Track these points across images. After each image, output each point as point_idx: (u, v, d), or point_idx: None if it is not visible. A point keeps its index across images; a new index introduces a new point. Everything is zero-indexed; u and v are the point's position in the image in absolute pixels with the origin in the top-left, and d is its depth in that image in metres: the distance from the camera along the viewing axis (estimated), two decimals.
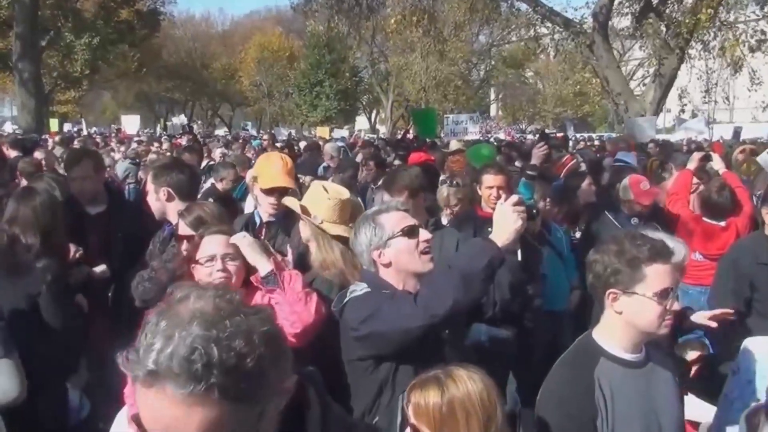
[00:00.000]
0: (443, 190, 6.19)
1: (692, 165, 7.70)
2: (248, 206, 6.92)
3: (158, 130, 37.74)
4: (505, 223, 3.08)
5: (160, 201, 4.59)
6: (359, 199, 6.53)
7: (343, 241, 3.85)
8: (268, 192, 4.80)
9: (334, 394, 3.31)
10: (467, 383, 2.53)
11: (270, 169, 4.88)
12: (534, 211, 3.31)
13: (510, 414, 5.54)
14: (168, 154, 14.24)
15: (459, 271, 3.00)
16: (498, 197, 5.70)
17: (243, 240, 3.56)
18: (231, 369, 1.32)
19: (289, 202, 4.32)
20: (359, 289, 3.27)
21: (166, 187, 4.58)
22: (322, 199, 4.01)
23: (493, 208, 5.83)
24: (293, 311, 3.38)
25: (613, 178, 8.63)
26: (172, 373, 1.30)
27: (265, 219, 4.92)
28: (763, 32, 26.06)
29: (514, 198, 3.14)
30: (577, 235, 7.41)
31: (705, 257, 6.65)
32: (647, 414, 2.81)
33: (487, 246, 3.04)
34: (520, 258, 3.27)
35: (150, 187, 4.73)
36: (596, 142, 25.89)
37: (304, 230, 4.09)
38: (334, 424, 1.72)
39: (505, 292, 4.46)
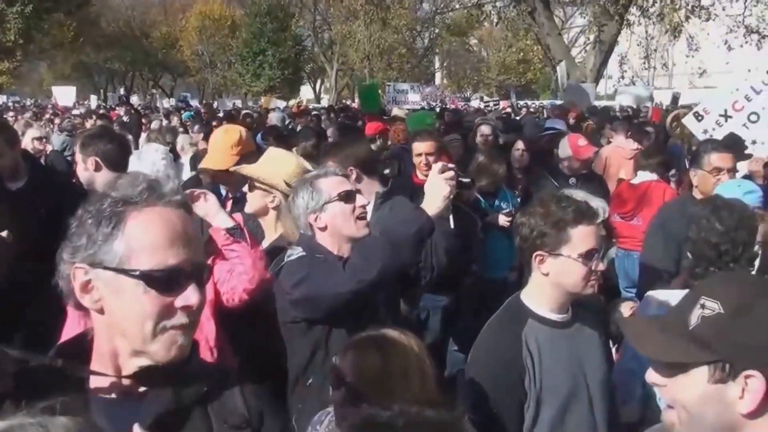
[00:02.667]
0: None
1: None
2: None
3: (93, 101, 36.49)
4: (435, 190, 3.11)
5: (88, 171, 4.47)
6: None
7: None
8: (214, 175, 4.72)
9: (270, 355, 3.38)
10: (402, 343, 2.56)
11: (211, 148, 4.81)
12: (467, 180, 3.31)
13: (450, 378, 5.62)
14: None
15: (388, 238, 3.05)
16: (428, 164, 5.74)
17: (207, 196, 3.49)
18: None
19: (246, 169, 4.16)
20: (295, 253, 3.30)
21: (94, 157, 4.46)
22: (293, 165, 3.97)
23: (426, 175, 5.89)
24: (255, 266, 3.38)
25: (549, 143, 8.75)
26: None
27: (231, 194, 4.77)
28: None
29: (439, 165, 3.16)
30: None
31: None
32: (574, 372, 2.86)
33: (417, 213, 3.08)
34: (452, 225, 3.28)
35: (78, 156, 4.61)
36: (545, 111, 26.02)
37: (257, 200, 4.00)
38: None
39: (441, 257, 4.49)
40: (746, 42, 27.89)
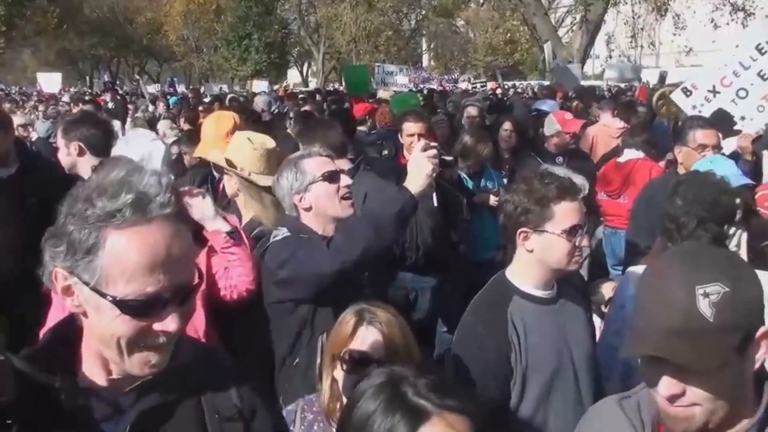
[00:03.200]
0: None
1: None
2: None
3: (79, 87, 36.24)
4: (417, 169, 3.12)
5: (70, 156, 4.45)
6: None
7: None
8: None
9: (256, 335, 3.39)
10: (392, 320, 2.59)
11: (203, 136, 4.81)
12: (449, 158, 3.32)
13: (439, 357, 5.65)
14: None
15: (371, 217, 3.10)
16: None
17: (204, 200, 3.47)
18: None
19: (213, 156, 4.25)
20: (281, 234, 3.33)
21: (77, 142, 4.44)
22: (248, 150, 3.95)
23: None
24: (253, 266, 3.38)
25: (536, 123, 8.76)
26: None
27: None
28: None
29: (422, 143, 3.17)
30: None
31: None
32: (559, 348, 2.88)
33: (400, 193, 3.10)
34: (435, 203, 3.29)
35: (60, 142, 4.58)
36: (531, 91, 25.99)
37: (229, 185, 4.05)
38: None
39: (426, 237, 4.51)
40: (732, 20, 27.92)
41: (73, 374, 1.58)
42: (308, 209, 3.35)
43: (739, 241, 4.19)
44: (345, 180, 3.39)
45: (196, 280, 1.58)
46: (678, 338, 1.55)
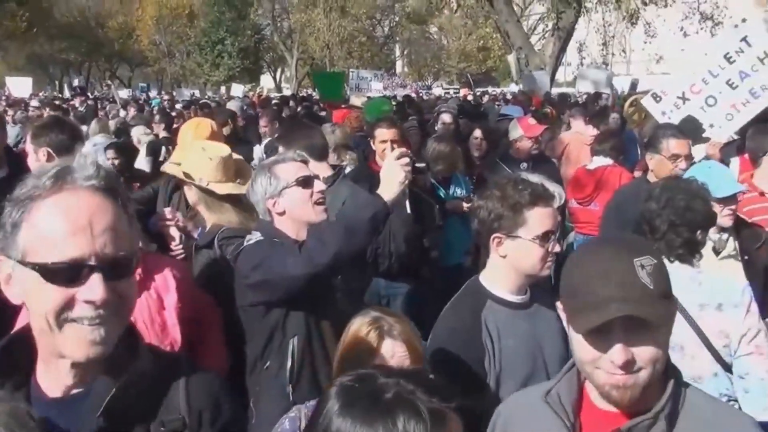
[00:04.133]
0: None
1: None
2: None
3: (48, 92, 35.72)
4: (391, 176, 3.12)
5: (39, 161, 4.38)
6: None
7: (233, 197, 3.86)
8: None
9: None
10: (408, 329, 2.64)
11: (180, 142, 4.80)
12: (422, 165, 3.33)
13: None
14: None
15: (343, 223, 3.10)
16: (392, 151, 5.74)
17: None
18: None
19: (170, 168, 4.22)
20: (254, 237, 3.33)
21: (46, 147, 4.37)
22: (204, 160, 3.94)
23: None
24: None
25: (503, 130, 8.82)
26: None
27: None
28: None
29: (397, 152, 3.19)
30: None
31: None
32: (533, 352, 2.89)
33: (373, 199, 3.10)
34: (409, 210, 3.30)
35: (29, 147, 4.52)
36: (508, 96, 26.08)
37: (190, 195, 4.05)
38: None
39: (399, 244, 4.52)
40: (701, 28, 28.30)
41: (26, 383, 1.56)
42: (282, 214, 3.36)
43: (734, 247, 4.26)
44: (318, 185, 3.39)
45: (133, 260, 1.54)
46: (631, 303, 1.68)
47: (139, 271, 3.01)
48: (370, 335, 2.56)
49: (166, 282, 3.21)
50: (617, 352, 1.69)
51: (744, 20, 6.63)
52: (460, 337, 2.87)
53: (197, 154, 3.99)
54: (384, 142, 5.81)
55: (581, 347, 1.77)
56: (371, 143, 6.02)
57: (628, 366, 1.70)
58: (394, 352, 2.54)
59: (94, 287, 1.45)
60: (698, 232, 3.42)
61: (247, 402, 3.31)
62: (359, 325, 2.62)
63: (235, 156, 4.20)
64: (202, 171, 3.90)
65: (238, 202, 3.91)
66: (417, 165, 3.26)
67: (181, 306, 3.22)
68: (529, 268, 2.85)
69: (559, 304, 1.91)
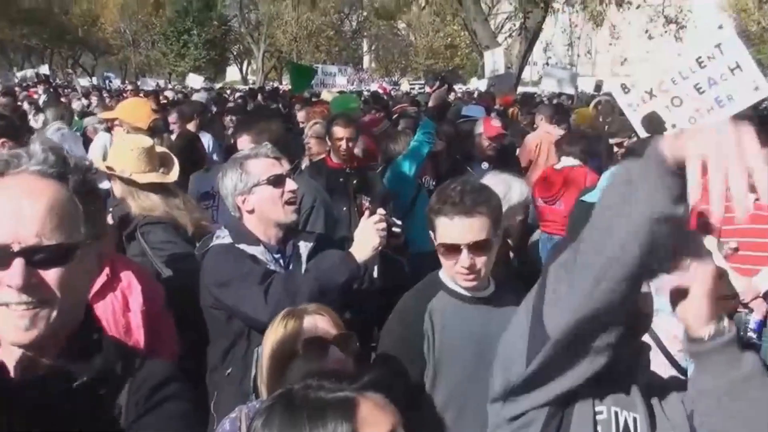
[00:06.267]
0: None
1: None
2: None
3: (45, 69, 34.64)
4: (365, 239, 3.12)
5: None
6: None
7: (157, 186, 3.94)
8: None
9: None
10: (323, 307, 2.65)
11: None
12: (398, 230, 3.26)
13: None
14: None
15: (317, 280, 3.05)
16: (347, 148, 5.75)
17: None
18: None
19: (95, 163, 4.23)
20: (223, 235, 3.28)
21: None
22: (126, 152, 4.01)
23: (343, 158, 5.86)
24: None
25: (465, 129, 8.80)
26: None
27: None
28: None
29: (376, 217, 3.14)
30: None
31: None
32: (480, 349, 2.83)
33: (347, 262, 3.08)
34: (376, 275, 3.28)
35: None
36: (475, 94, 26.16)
37: (116, 188, 4.05)
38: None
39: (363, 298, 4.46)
40: (666, 32, 28.67)
41: None
42: (251, 212, 3.28)
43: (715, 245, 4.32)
44: (290, 185, 3.29)
45: (74, 249, 1.52)
46: None
47: (106, 271, 3.01)
48: (288, 324, 2.52)
49: (131, 284, 3.17)
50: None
51: (720, 27, 6.66)
52: (407, 320, 2.95)
53: (119, 147, 4.11)
54: (339, 139, 5.78)
55: None
56: (328, 140, 5.96)
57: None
58: (315, 324, 2.50)
59: (14, 273, 1.45)
60: None
61: (208, 403, 3.23)
62: (276, 323, 2.58)
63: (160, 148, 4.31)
64: (123, 163, 3.95)
65: (165, 191, 3.98)
66: (393, 230, 3.20)
67: (145, 309, 3.19)
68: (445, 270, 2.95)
69: None
